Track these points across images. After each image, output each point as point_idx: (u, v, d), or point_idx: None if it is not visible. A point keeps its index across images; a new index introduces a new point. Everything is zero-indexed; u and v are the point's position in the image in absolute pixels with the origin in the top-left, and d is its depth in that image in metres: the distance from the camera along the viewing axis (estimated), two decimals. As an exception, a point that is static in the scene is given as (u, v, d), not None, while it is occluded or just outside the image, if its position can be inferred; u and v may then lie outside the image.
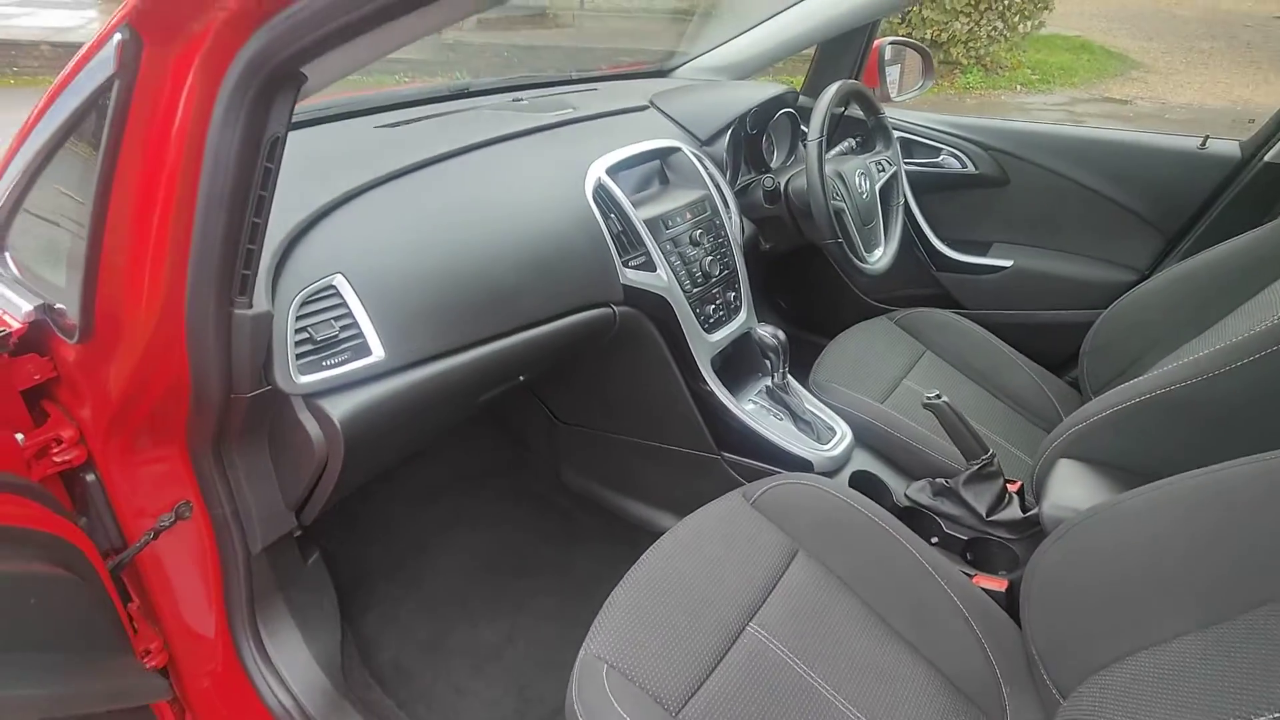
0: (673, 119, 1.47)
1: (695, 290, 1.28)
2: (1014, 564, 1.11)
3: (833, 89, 1.38)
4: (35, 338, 0.82)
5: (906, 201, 1.67)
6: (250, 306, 0.72)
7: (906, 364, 1.48)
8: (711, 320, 1.31)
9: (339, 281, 0.87)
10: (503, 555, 1.48)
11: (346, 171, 0.98)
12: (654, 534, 1.43)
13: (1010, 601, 0.98)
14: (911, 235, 1.78)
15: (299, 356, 0.82)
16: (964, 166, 1.73)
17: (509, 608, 1.37)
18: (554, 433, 1.60)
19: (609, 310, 1.18)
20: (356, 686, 1.10)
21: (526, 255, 1.07)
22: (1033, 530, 1.08)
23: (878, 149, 1.59)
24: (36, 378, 0.82)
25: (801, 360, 1.42)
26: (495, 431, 1.75)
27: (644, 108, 1.50)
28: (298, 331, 0.82)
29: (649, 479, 1.49)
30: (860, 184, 1.47)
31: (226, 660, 1.03)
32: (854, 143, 1.65)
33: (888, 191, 1.56)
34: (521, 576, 1.44)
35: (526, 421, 1.68)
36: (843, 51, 1.74)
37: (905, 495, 1.23)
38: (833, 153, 1.60)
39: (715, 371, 1.30)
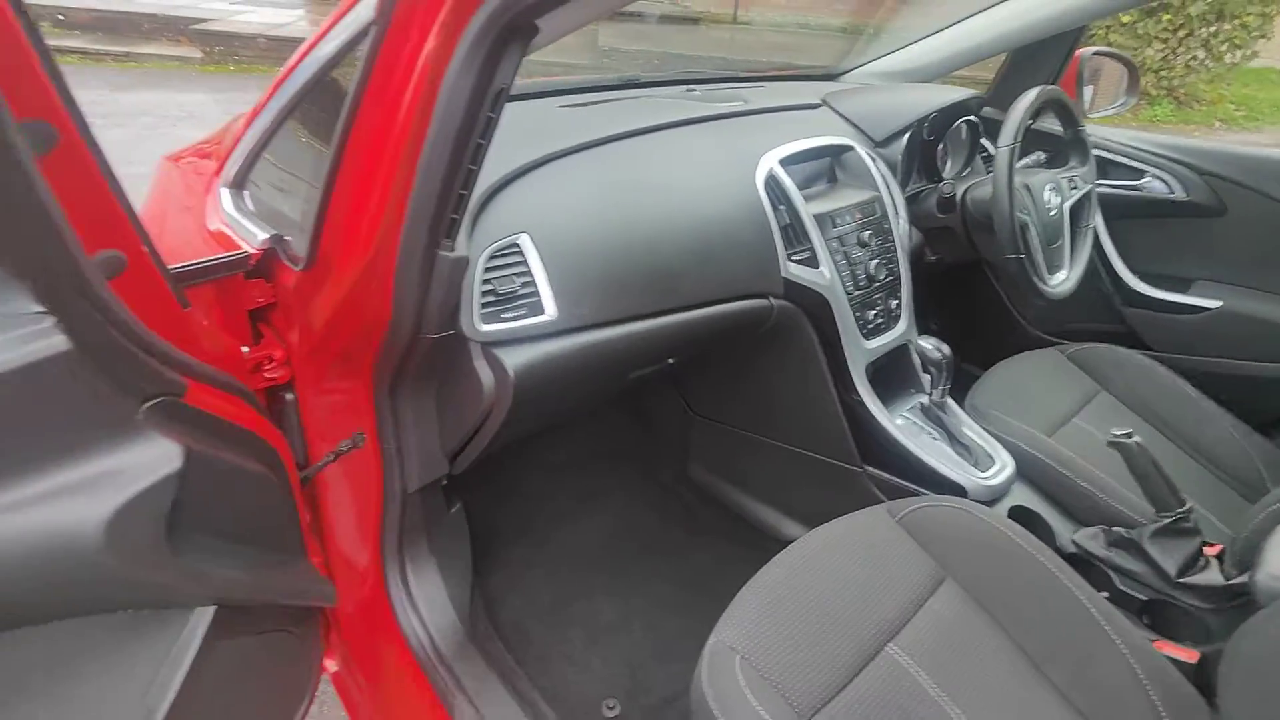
0: (847, 118, 1.43)
1: (857, 293, 1.23)
2: (1204, 636, 0.98)
3: (1032, 94, 1.29)
4: (263, 265, 0.91)
5: (1095, 226, 1.53)
6: (452, 250, 0.77)
7: (1078, 401, 1.35)
8: (870, 326, 1.25)
9: (524, 241, 0.91)
10: (624, 538, 1.49)
11: (536, 141, 1.03)
12: (777, 539, 1.39)
13: (1201, 678, 0.86)
14: (1097, 263, 1.63)
15: (483, 306, 0.86)
16: (1171, 192, 1.55)
17: (627, 589, 1.37)
18: (686, 425, 1.60)
19: (767, 303, 1.16)
20: (480, 636, 1.14)
21: (693, 238, 1.07)
22: (1237, 601, 0.95)
23: (1071, 164, 1.46)
24: (260, 301, 0.92)
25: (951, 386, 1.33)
26: (626, 417, 1.77)
27: (816, 105, 1.47)
28: (484, 283, 0.86)
29: (780, 483, 1.45)
30: (1049, 199, 1.35)
31: (374, 587, 1.10)
32: (1042, 156, 1.53)
33: (1078, 211, 1.43)
34: (641, 561, 1.44)
35: (659, 410, 1.68)
36: (1040, 58, 1.61)
37: (1073, 541, 1.12)
38: (1018, 165, 1.49)
39: (867, 381, 1.25)
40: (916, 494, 1.18)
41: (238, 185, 1.02)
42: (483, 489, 1.50)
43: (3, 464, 0.52)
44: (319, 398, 0.97)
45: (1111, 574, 1.06)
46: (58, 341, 0.52)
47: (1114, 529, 1.08)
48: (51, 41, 0.56)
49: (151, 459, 0.59)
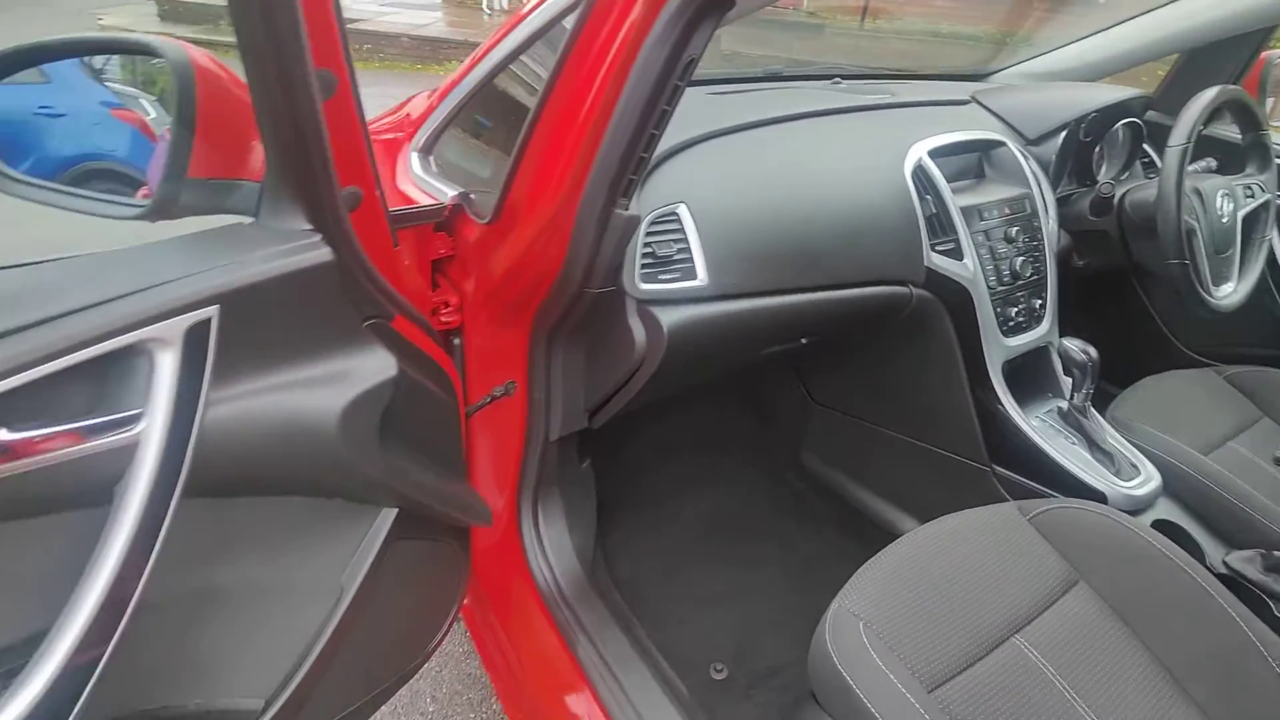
0: (998, 115, 1.40)
1: (1000, 288, 1.21)
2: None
3: (1211, 93, 1.22)
4: (448, 220, 1.02)
5: (1271, 240, 1.42)
6: (627, 209, 0.83)
7: (1236, 425, 1.26)
8: (1011, 324, 1.23)
9: (682, 210, 0.96)
10: (732, 519, 1.53)
11: (691, 122, 1.09)
12: (890, 533, 1.38)
13: None
14: (1268, 281, 1.51)
15: (642, 267, 0.92)
16: (1363, 210, 1.42)
17: (735, 566, 1.41)
18: (804, 413, 1.61)
19: (906, 290, 1.16)
20: (600, 585, 1.21)
21: (839, 220, 1.09)
22: None
23: (1249, 171, 1.37)
24: (441, 252, 1.02)
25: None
26: (739, 403, 1.80)
27: (965, 102, 1.45)
28: (645, 245, 0.93)
29: (900, 478, 1.44)
30: (1221, 206, 1.28)
31: (508, 528, 1.20)
32: (1213, 163, 1.44)
33: (1253, 221, 1.34)
34: (748, 542, 1.47)
35: (776, 396, 1.71)
36: (1217, 61, 1.52)
37: (1224, 562, 1.05)
38: (1187, 169, 1.41)
39: (1003, 379, 1.22)
40: (1048, 497, 1.15)
41: (426, 151, 1.14)
42: (605, 456, 1.57)
43: (270, 353, 0.63)
44: (483, 343, 1.07)
45: (1269, 600, 0.99)
46: (324, 254, 0.63)
47: (1274, 553, 1.01)
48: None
49: (375, 366, 0.69)
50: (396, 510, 0.81)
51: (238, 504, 0.67)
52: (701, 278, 0.96)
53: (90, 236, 0.88)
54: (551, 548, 1.19)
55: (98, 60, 0.85)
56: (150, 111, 0.84)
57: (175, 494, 0.56)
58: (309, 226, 0.64)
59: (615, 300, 0.95)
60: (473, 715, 1.40)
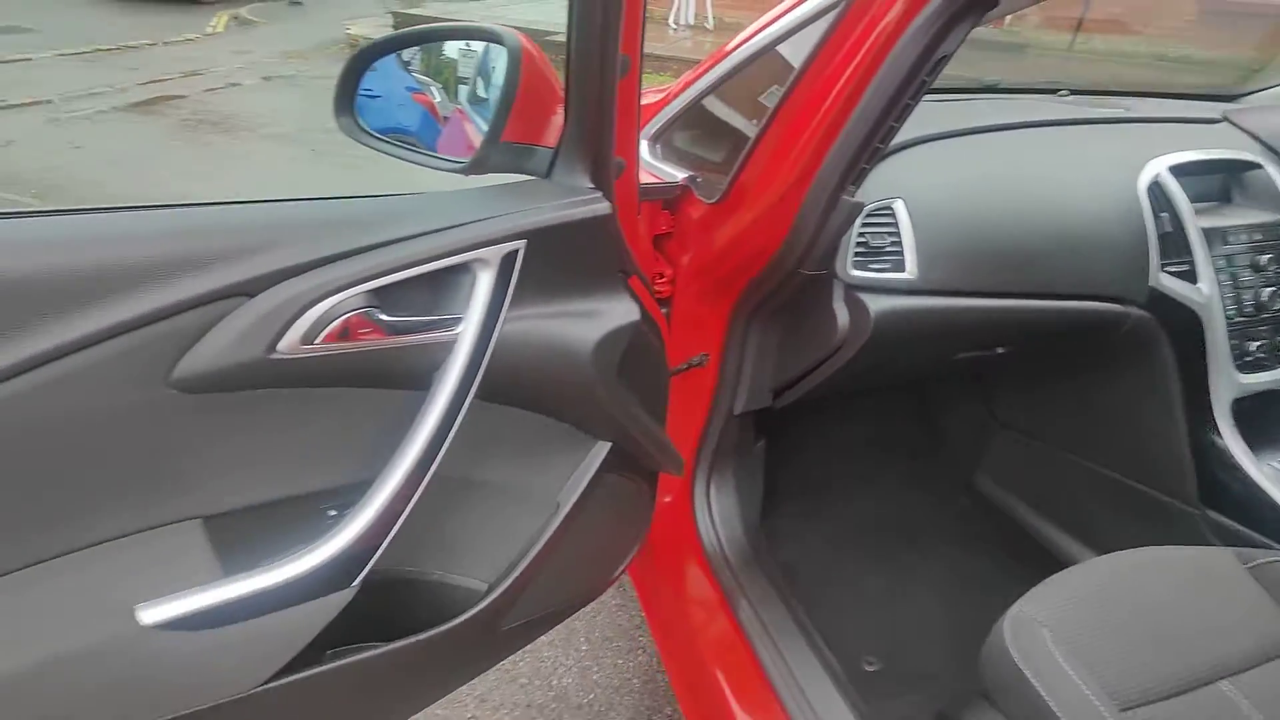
0: (1255, 136, 1.29)
1: (1240, 319, 1.12)
2: None
3: None
4: (672, 200, 1.12)
5: None
6: (853, 196, 0.89)
7: None
8: (1248, 359, 1.13)
9: (898, 205, 1.00)
10: (895, 523, 1.52)
11: (911, 123, 1.12)
12: (1062, 564, 1.31)
13: None
14: None
15: (855, 254, 0.97)
16: None
17: (892, 568, 1.40)
18: (983, 432, 1.56)
19: (1124, 310, 1.11)
20: (761, 557, 1.26)
21: (1058, 229, 1.07)
22: None
23: None
24: (662, 228, 1.13)
25: None
26: (915, 412, 1.77)
27: (1215, 120, 1.34)
28: (860, 234, 0.98)
29: (1088, 510, 1.37)
30: None
31: (681, 491, 1.29)
32: None
33: None
34: (909, 549, 1.46)
35: (952, 412, 1.67)
36: None
37: None
38: None
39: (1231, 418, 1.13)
40: (1269, 549, 1.05)
41: (654, 139, 1.26)
42: (776, 440, 1.62)
43: (549, 286, 0.75)
44: (683, 317, 1.17)
45: None
46: (605, 207, 0.74)
47: None
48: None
49: (623, 310, 0.80)
50: (610, 445, 0.92)
51: (499, 411, 0.80)
52: (911, 271, 0.99)
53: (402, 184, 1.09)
54: (720, 515, 1.26)
55: (407, 53, 1.04)
56: (438, 97, 1.02)
57: (472, 388, 0.70)
58: (591, 186, 0.76)
59: (823, 284, 1.01)
60: (620, 662, 1.50)
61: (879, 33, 0.78)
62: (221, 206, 0.60)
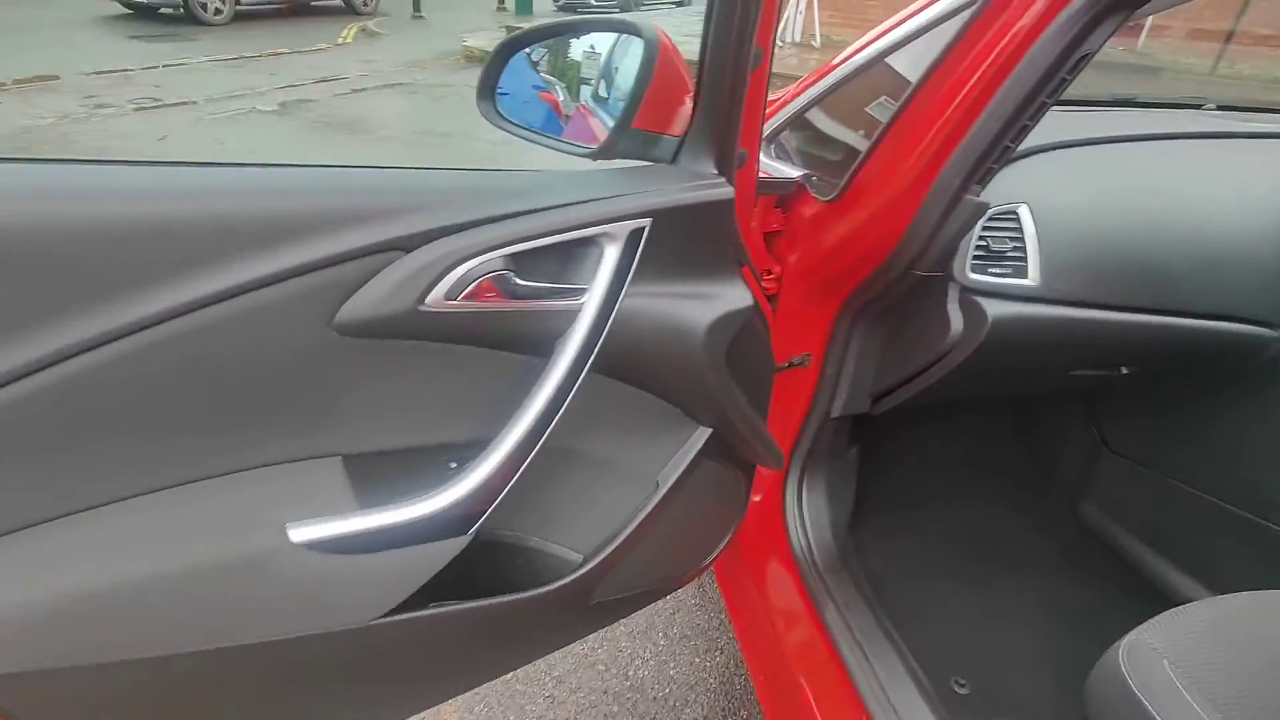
0: None
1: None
2: None
3: None
4: (784, 198, 1.13)
5: None
6: (978, 196, 0.87)
7: None
8: None
9: (1023, 211, 0.97)
10: (990, 545, 1.46)
11: (1040, 131, 1.09)
12: (1173, 601, 1.22)
13: None
14: None
15: (974, 257, 0.95)
16: None
17: (985, 591, 1.34)
18: (1091, 459, 1.48)
19: (1268, 332, 1.03)
20: (850, 564, 1.24)
21: (1198, 245, 1.01)
22: None
23: None
24: (773, 226, 1.15)
25: None
26: (1017, 432, 1.69)
27: None
28: (980, 237, 0.96)
29: (1210, 549, 1.26)
30: None
31: (772, 491, 1.28)
32: None
33: None
34: (1004, 573, 1.39)
35: (1058, 435, 1.58)
36: None
37: None
38: None
39: None
40: None
41: (769, 140, 1.28)
42: (870, 449, 1.59)
43: (667, 266, 0.78)
44: (791, 314, 1.17)
45: None
46: (728, 192, 0.77)
47: None
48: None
49: (736, 295, 0.82)
50: (711, 431, 0.93)
51: (609, 386, 0.84)
52: (1033, 277, 0.96)
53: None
54: (810, 518, 1.25)
55: (536, 53, 1.10)
56: (561, 95, 1.08)
57: (591, 357, 0.73)
58: (715, 172, 0.78)
59: (936, 286, 0.99)
60: (697, 660, 1.51)
61: (1018, 29, 0.77)
62: (382, 170, 0.66)
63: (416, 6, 11.02)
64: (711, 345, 0.80)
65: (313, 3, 9.52)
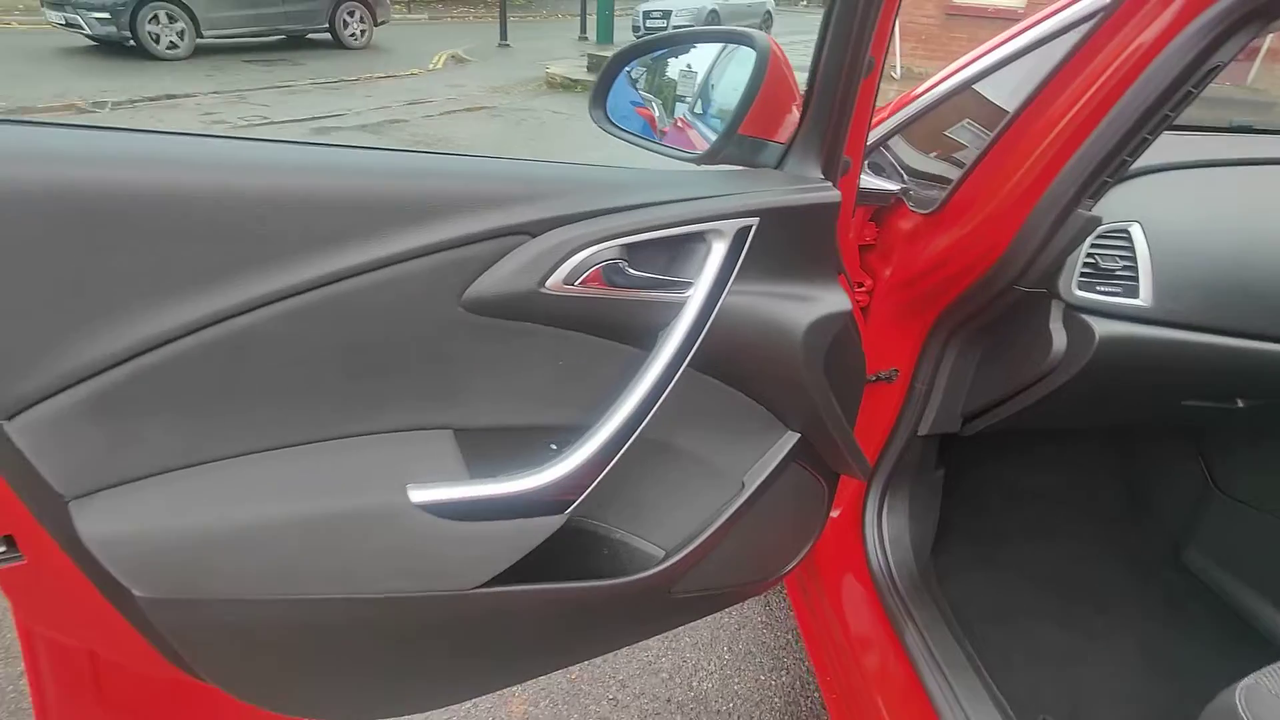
0: None
1: None
2: None
3: None
4: (879, 212, 1.14)
5: None
6: (1090, 210, 0.86)
7: None
8: None
9: (1135, 230, 0.95)
10: (1081, 590, 1.39)
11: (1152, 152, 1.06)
12: None
13: None
14: None
15: (1081, 274, 0.93)
16: None
17: (1075, 631, 1.28)
18: (1201, 500, 1.39)
19: None
20: (931, 588, 1.20)
21: None
22: None
23: None
24: (867, 239, 1.15)
25: None
26: (1114, 467, 1.61)
27: None
28: (1088, 254, 0.93)
29: None
30: None
31: (851, 508, 1.26)
32: None
33: None
34: (1096, 618, 1.32)
35: (1162, 471, 1.50)
36: None
37: None
38: None
39: None
40: None
41: (865, 156, 1.29)
42: (954, 473, 1.55)
43: (770, 266, 0.79)
44: (879, 329, 1.17)
45: None
46: (835, 195, 0.78)
47: None
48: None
49: (835, 299, 0.83)
50: (799, 436, 0.93)
51: (704, 383, 0.85)
52: (1145, 298, 0.93)
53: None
54: (891, 538, 1.22)
55: (635, 71, 1.15)
56: (657, 112, 1.12)
57: (691, 350, 0.75)
58: (821, 177, 0.80)
59: (1038, 303, 0.97)
60: (762, 678, 1.48)
61: (1143, 40, 0.76)
62: (515, 160, 0.71)
63: (504, 35, 11.52)
64: (810, 346, 0.81)
65: (303, 35, 9.76)
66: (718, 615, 1.62)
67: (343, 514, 0.64)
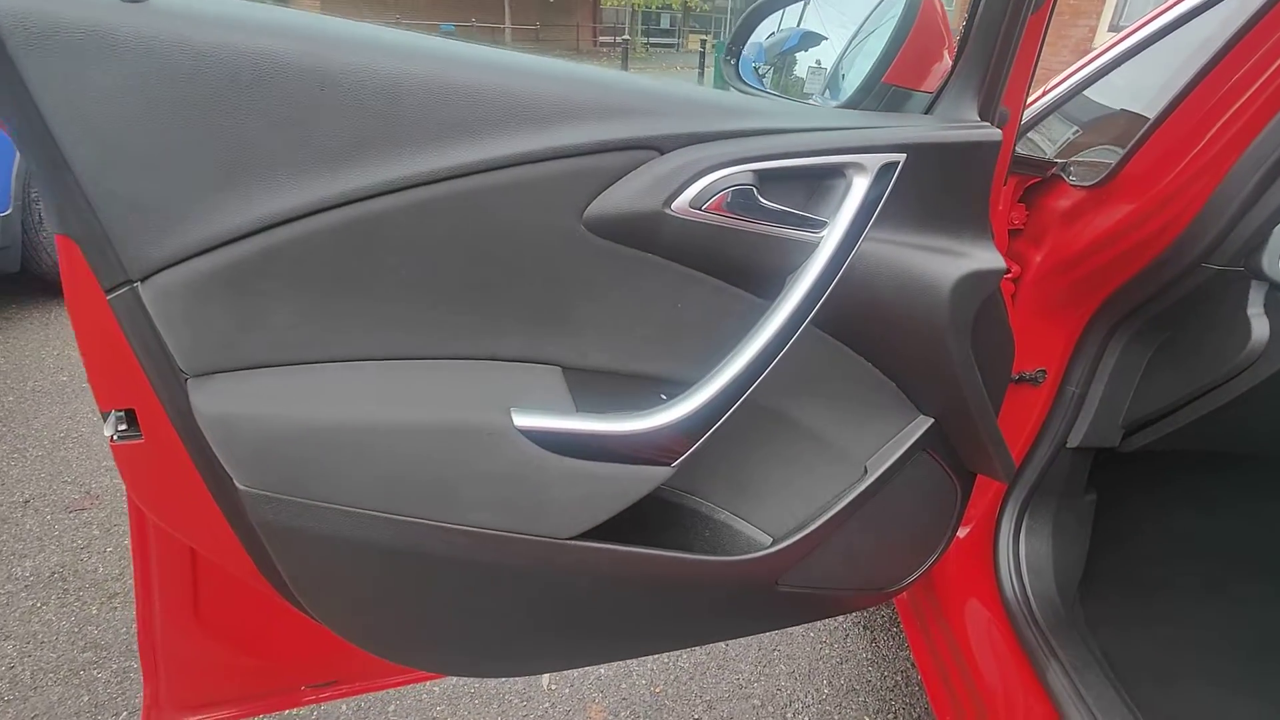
0: None
1: None
2: None
3: None
4: (1030, 192, 1.03)
5: None
6: None
7: None
8: None
9: None
10: (1267, 649, 1.16)
11: None
12: None
13: None
14: None
15: None
16: None
17: (1259, 706, 1.06)
18: None
19: None
20: (1078, 625, 1.04)
21: None
22: None
23: None
24: (1016, 223, 1.04)
25: None
26: None
27: None
28: None
29: None
30: None
31: (981, 528, 1.12)
32: None
33: None
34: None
35: None
36: None
37: None
38: None
39: None
40: None
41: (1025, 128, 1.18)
42: (1105, 503, 1.36)
43: (917, 212, 0.71)
44: (1024, 324, 1.04)
45: None
46: (995, 134, 0.70)
47: None
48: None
49: (987, 256, 0.73)
50: (933, 421, 0.83)
51: (829, 348, 0.78)
52: None
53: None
54: (1030, 564, 1.07)
55: (763, 67, 1.11)
56: None
57: (820, 299, 0.68)
58: (978, 118, 0.72)
59: (1232, 285, 0.83)
60: (865, 718, 1.33)
61: None
62: (644, 77, 0.68)
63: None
64: (957, 306, 0.72)
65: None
66: (818, 645, 1.48)
67: (449, 427, 0.61)
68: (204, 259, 0.53)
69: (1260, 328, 0.80)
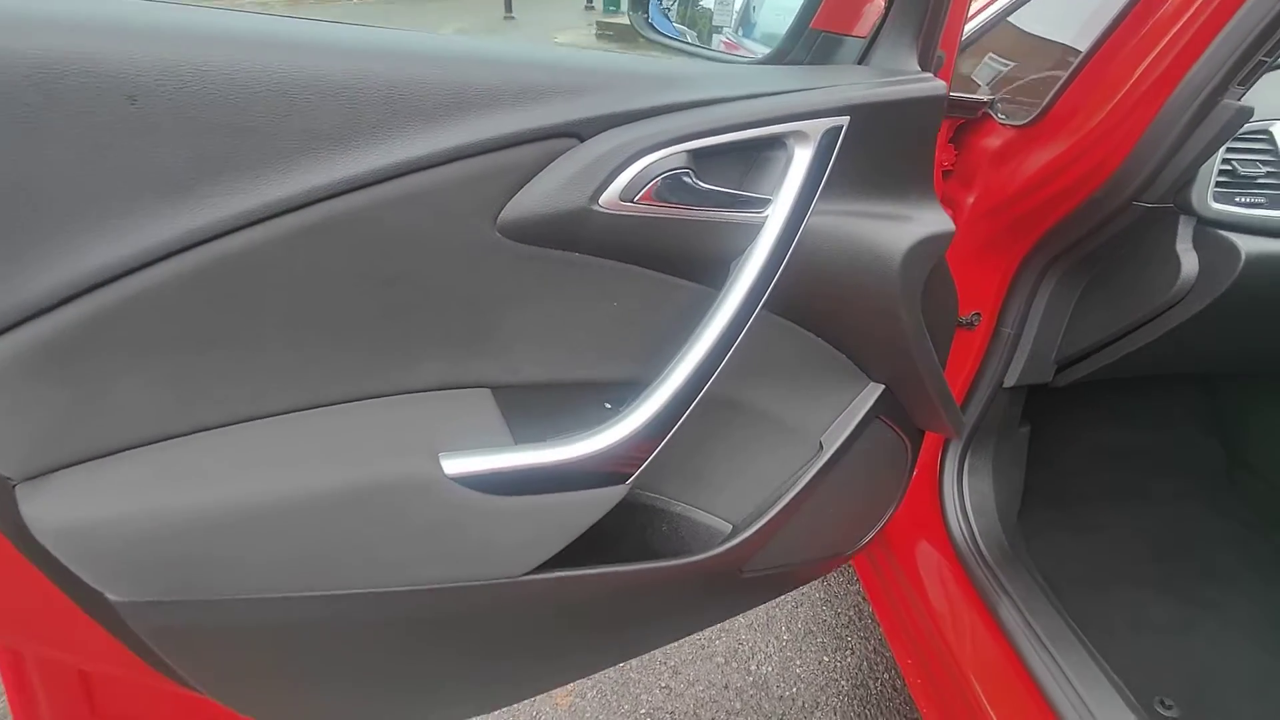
0: None
1: None
2: None
3: None
4: (958, 131, 0.99)
5: None
6: (1239, 100, 0.71)
7: None
8: None
9: (1276, 129, 0.80)
10: (1185, 554, 1.25)
11: None
12: None
13: None
14: None
15: (1217, 184, 0.79)
16: None
17: (1182, 600, 1.15)
18: None
19: None
20: (1021, 555, 1.08)
21: None
22: None
23: None
24: (945, 165, 1.00)
25: None
26: (1212, 425, 1.47)
27: None
28: (1224, 161, 0.79)
29: None
30: None
31: (926, 470, 1.14)
32: None
33: None
34: (1206, 586, 1.19)
35: (1265, 435, 1.35)
36: None
37: None
38: None
39: None
40: None
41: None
42: (1035, 432, 1.41)
43: (862, 179, 0.66)
44: (956, 268, 1.02)
45: None
46: (939, 87, 0.64)
47: None
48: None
49: (935, 219, 0.69)
50: (883, 388, 0.81)
51: (778, 327, 0.72)
52: None
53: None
54: (973, 503, 1.10)
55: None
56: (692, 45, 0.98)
57: (771, 282, 0.62)
58: (918, 69, 0.66)
59: (1159, 222, 0.83)
60: (825, 659, 1.37)
61: None
62: (559, 48, 0.58)
63: (508, 7, 11.26)
64: (908, 276, 0.68)
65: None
66: (771, 592, 1.51)
67: (369, 486, 0.53)
68: (14, 335, 0.41)
69: (1189, 263, 0.81)
